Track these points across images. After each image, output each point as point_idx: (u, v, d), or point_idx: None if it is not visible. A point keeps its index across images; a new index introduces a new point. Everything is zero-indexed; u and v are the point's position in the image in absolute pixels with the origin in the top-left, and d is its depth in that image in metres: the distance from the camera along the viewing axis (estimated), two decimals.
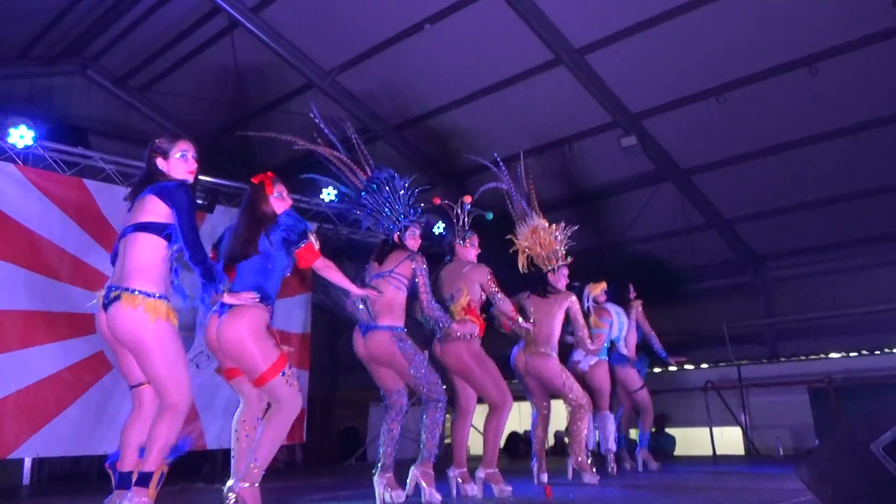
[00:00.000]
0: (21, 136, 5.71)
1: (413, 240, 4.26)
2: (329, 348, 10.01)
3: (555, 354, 5.12)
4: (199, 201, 6.61)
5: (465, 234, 4.67)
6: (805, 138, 7.79)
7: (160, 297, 2.96)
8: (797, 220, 8.74)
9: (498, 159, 5.21)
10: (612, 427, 5.92)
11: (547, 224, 5.33)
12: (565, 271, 5.36)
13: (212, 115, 9.23)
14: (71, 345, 5.53)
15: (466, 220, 4.69)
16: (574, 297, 5.28)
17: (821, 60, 6.92)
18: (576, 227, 5.48)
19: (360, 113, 8.59)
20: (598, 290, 6.13)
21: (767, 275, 9.53)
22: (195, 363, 6.23)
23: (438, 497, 3.93)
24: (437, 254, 5.02)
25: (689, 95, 7.65)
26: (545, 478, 5.05)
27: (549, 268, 5.30)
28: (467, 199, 4.66)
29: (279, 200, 3.56)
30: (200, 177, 6.42)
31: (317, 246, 3.48)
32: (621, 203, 9.22)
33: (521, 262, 5.30)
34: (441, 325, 4.20)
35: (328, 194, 7.29)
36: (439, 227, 7.81)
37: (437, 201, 4.71)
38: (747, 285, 9.61)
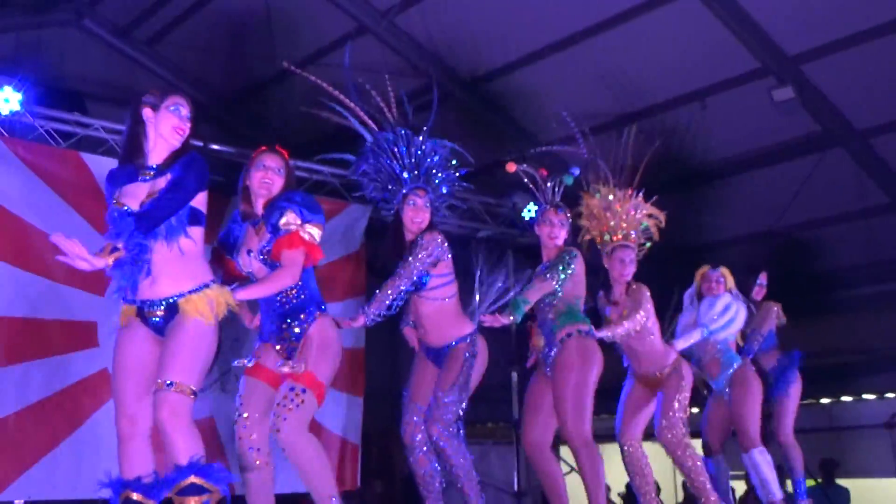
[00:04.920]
0: (6, 99, 5.82)
1: (413, 211, 4.10)
2: (387, 369, 9.97)
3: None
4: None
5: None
6: None
7: None
8: None
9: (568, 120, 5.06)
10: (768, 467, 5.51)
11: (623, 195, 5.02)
12: (624, 256, 4.93)
13: (234, 73, 9.34)
14: (68, 361, 5.61)
15: (558, 189, 4.67)
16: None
17: None
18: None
19: (421, 64, 8.52)
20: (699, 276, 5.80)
21: None
22: (220, 384, 6.26)
23: None
24: (531, 245, 4.96)
25: (867, 30, 7.30)
26: None
27: (607, 250, 5.00)
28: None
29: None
30: (217, 147, 6.57)
31: None
32: (772, 178, 8.96)
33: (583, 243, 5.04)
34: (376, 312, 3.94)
35: None
36: (530, 212, 7.68)
37: (513, 168, 4.67)
38: None
